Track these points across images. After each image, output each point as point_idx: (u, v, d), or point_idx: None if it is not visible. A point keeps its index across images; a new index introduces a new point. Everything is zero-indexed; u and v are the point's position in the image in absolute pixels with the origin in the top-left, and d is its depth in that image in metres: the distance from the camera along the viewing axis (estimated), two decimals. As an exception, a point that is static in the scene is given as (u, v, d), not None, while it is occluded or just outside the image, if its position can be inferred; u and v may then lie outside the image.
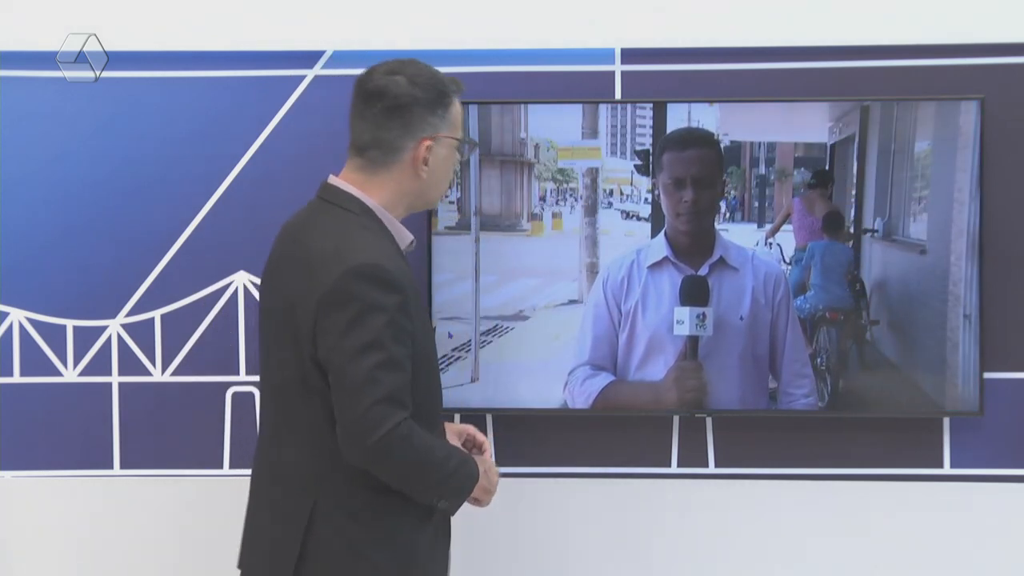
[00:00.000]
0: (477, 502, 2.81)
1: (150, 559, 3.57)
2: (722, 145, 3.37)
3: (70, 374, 3.57)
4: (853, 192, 3.38)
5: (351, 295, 2.55)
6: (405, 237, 2.76)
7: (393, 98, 2.68)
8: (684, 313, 3.37)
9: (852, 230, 3.38)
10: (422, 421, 2.63)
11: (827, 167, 3.36)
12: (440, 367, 3.39)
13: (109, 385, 3.57)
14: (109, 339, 3.57)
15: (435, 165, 2.73)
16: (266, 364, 2.76)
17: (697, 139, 3.37)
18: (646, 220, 3.41)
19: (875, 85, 3.44)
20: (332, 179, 2.74)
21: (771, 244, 3.38)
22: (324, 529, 2.63)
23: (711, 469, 3.54)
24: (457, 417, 3.40)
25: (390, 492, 2.63)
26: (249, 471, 2.82)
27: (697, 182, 3.36)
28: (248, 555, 2.78)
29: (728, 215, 3.39)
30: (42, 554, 3.58)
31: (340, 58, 3.50)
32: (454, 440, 2.95)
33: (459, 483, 2.69)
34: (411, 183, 2.73)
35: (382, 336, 2.54)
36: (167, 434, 3.57)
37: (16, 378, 3.57)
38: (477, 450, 2.97)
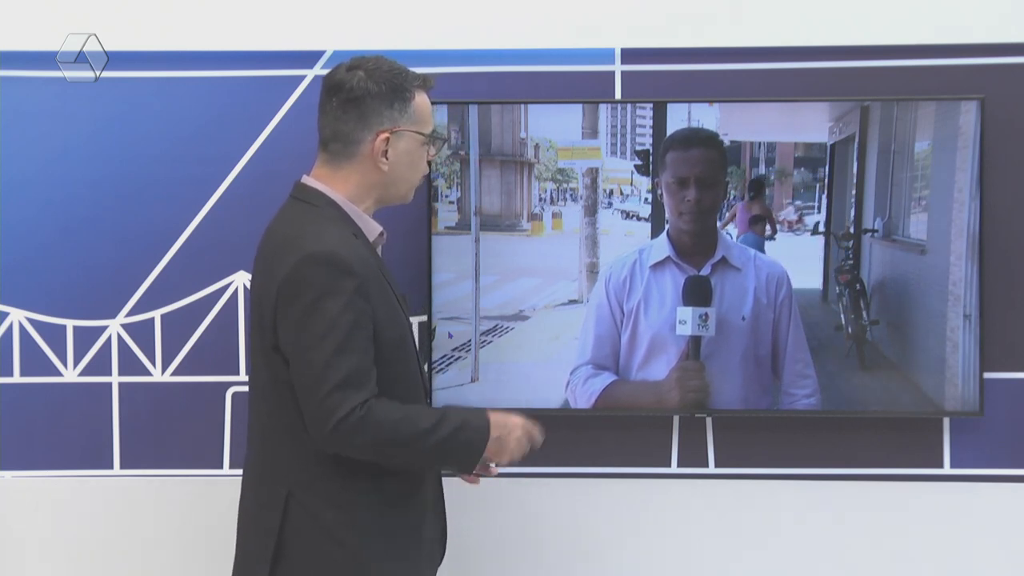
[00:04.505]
0: (499, 458, 2.75)
1: (150, 559, 3.57)
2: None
3: (70, 374, 3.57)
4: (853, 192, 3.38)
5: (306, 283, 2.58)
6: (373, 229, 2.78)
7: (348, 91, 2.72)
8: (687, 313, 3.37)
9: (852, 230, 3.38)
10: None
11: (758, 176, 3.38)
12: (440, 367, 3.40)
13: (109, 385, 3.57)
14: (109, 339, 3.56)
15: (396, 158, 2.75)
16: (251, 361, 2.80)
17: (701, 139, 3.37)
18: (646, 220, 3.42)
19: (875, 85, 3.44)
20: (303, 178, 2.79)
21: None
22: (300, 517, 2.65)
23: (711, 469, 3.54)
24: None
25: (367, 478, 2.65)
26: (248, 471, 2.84)
27: (700, 181, 3.36)
28: (238, 549, 2.80)
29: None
30: (42, 554, 3.58)
31: (340, 58, 3.43)
32: None
33: (461, 445, 2.66)
34: (374, 175, 2.75)
35: (339, 321, 2.56)
36: (167, 434, 3.57)
37: (16, 378, 3.57)
38: None
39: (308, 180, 2.77)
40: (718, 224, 3.39)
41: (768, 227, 3.38)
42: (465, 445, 2.67)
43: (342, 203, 2.73)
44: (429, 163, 2.86)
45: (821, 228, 3.39)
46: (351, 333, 2.57)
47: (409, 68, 2.77)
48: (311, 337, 2.56)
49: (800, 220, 3.40)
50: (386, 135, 2.73)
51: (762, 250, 3.38)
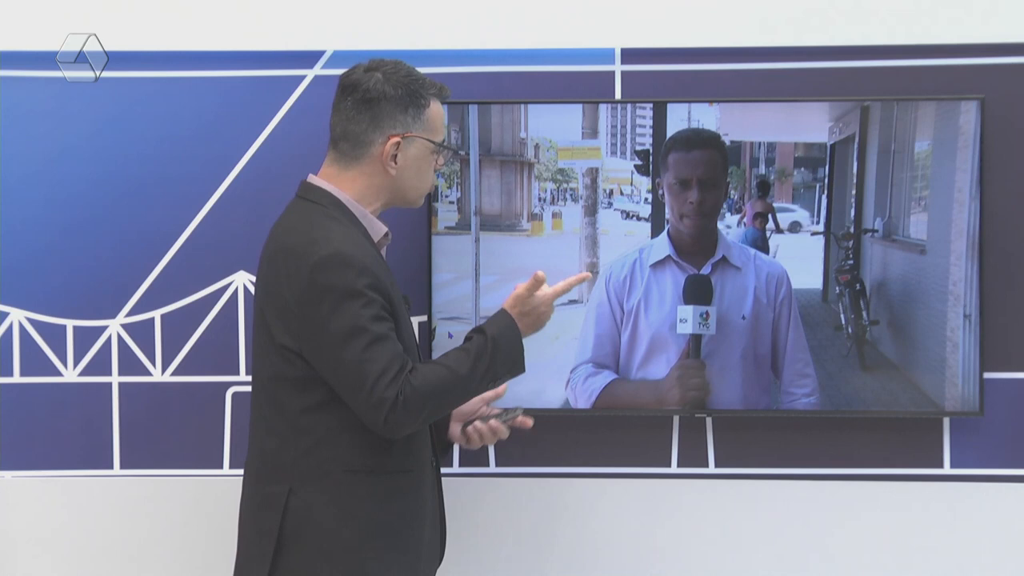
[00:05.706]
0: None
1: (150, 559, 3.57)
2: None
3: (70, 374, 3.57)
4: (853, 192, 3.38)
5: (323, 289, 2.59)
6: (379, 230, 2.78)
7: (364, 92, 2.73)
8: (687, 311, 3.38)
9: (852, 230, 3.39)
10: None
11: (768, 179, 3.39)
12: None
13: (109, 385, 3.57)
14: (109, 339, 3.56)
15: (405, 163, 2.76)
16: (253, 359, 2.82)
17: (703, 140, 3.37)
18: (646, 220, 3.42)
19: (875, 85, 3.44)
20: (310, 177, 2.79)
21: None
22: (299, 517, 2.66)
23: (711, 469, 3.54)
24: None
25: (366, 478, 2.67)
26: (248, 471, 2.84)
27: (703, 183, 3.37)
28: (238, 549, 2.81)
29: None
30: (42, 554, 3.58)
31: (340, 58, 3.50)
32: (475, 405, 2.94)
33: (504, 360, 2.71)
34: (381, 178, 2.76)
35: (361, 317, 2.58)
36: (167, 434, 3.57)
37: (16, 378, 3.57)
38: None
39: (314, 179, 2.77)
40: (726, 223, 3.39)
41: (771, 222, 3.39)
42: (507, 357, 2.72)
43: (348, 203, 2.74)
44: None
45: (820, 228, 3.40)
46: (374, 325, 2.59)
47: (426, 75, 2.78)
48: (340, 340, 2.58)
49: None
50: (397, 139, 2.73)
51: (764, 244, 3.39)
